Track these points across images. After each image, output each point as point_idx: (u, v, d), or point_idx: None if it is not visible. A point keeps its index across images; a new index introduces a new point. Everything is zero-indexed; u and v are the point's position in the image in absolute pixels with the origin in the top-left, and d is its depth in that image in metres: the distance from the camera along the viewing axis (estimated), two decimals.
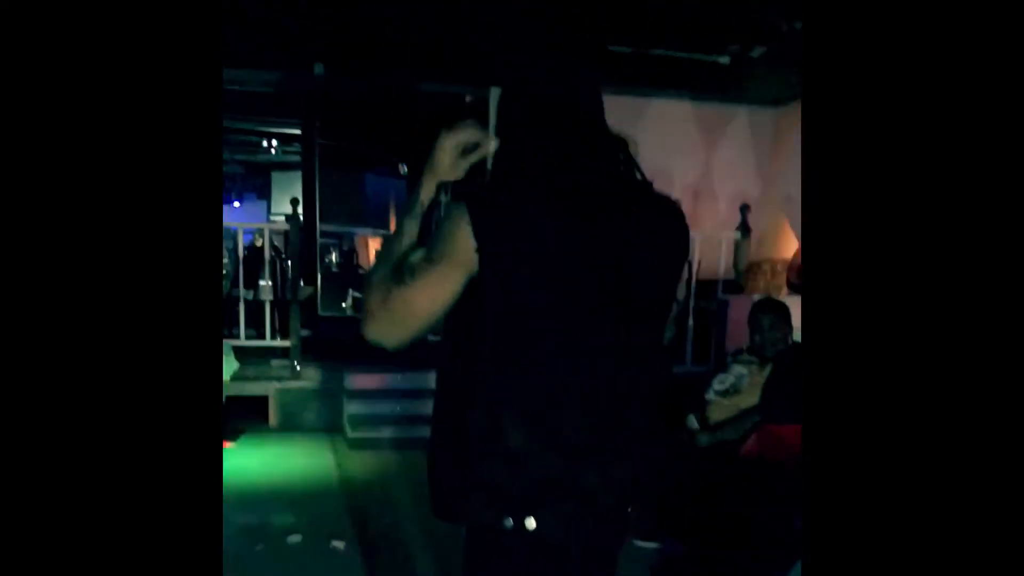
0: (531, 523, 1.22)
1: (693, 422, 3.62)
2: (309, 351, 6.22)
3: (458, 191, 1.29)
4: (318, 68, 7.26)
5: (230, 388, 5.56)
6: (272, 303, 6.53)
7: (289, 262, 6.51)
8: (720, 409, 3.61)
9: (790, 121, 7.53)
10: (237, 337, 6.06)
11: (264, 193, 17.02)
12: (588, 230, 1.23)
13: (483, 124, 1.39)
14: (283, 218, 8.29)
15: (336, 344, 6.83)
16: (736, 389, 3.65)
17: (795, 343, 3.67)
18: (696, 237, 5.95)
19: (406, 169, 13.66)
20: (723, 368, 3.80)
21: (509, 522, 1.23)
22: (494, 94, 7.30)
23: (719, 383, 3.70)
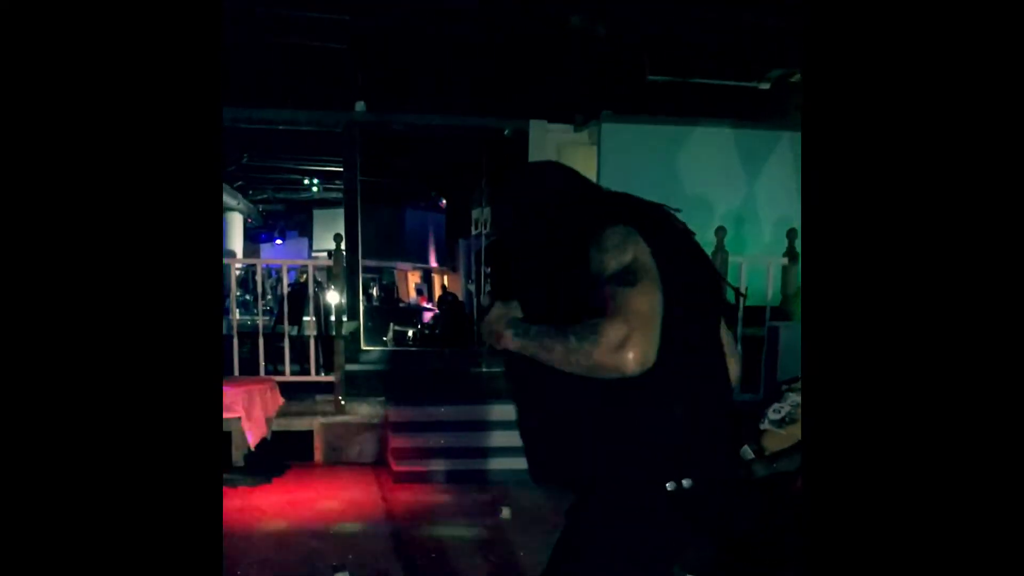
0: (687, 482, 1.48)
1: (748, 452, 3.52)
2: (353, 386, 6.23)
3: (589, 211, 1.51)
4: (360, 106, 7.37)
5: (276, 424, 5.58)
6: (316, 338, 6.56)
7: (332, 297, 6.55)
8: (775, 439, 3.51)
9: None
10: (282, 373, 6.09)
11: (306, 230, 17.30)
12: (687, 253, 1.55)
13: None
14: (326, 254, 8.37)
15: (380, 378, 6.83)
16: (792, 419, 3.54)
17: None
18: (742, 263, 5.86)
19: (445, 202, 13.78)
20: (778, 397, 3.70)
21: (671, 484, 1.47)
22: (534, 127, 7.34)
23: (774, 412, 3.60)
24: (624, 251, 1.41)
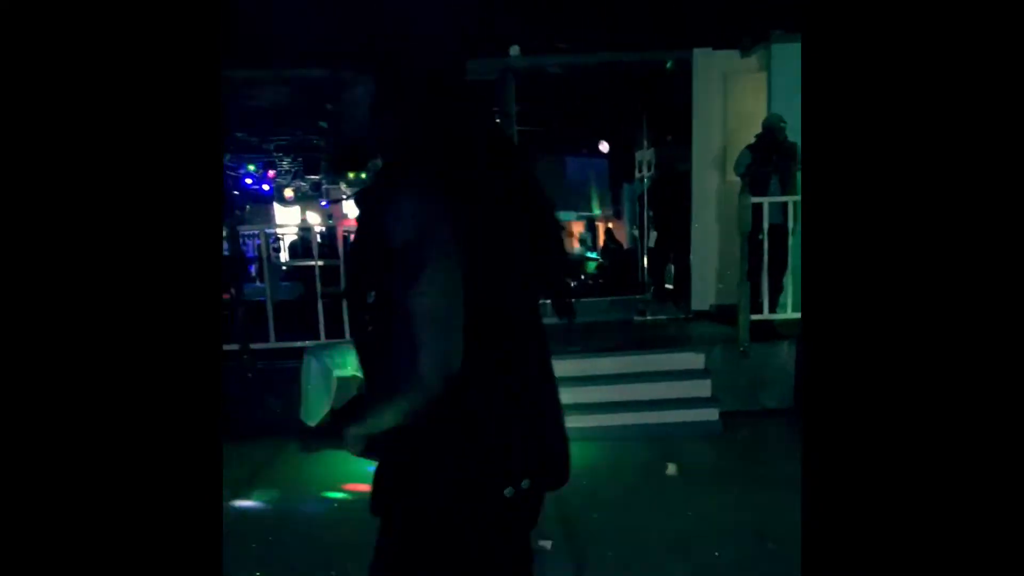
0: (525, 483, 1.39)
1: None
2: None
3: None
4: (514, 50, 7.14)
5: None
6: None
7: None
8: None
9: None
10: None
11: None
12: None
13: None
14: None
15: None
16: None
17: None
18: None
19: (607, 146, 13.38)
20: None
21: (510, 490, 1.37)
22: (697, 56, 6.82)
23: None
24: None
